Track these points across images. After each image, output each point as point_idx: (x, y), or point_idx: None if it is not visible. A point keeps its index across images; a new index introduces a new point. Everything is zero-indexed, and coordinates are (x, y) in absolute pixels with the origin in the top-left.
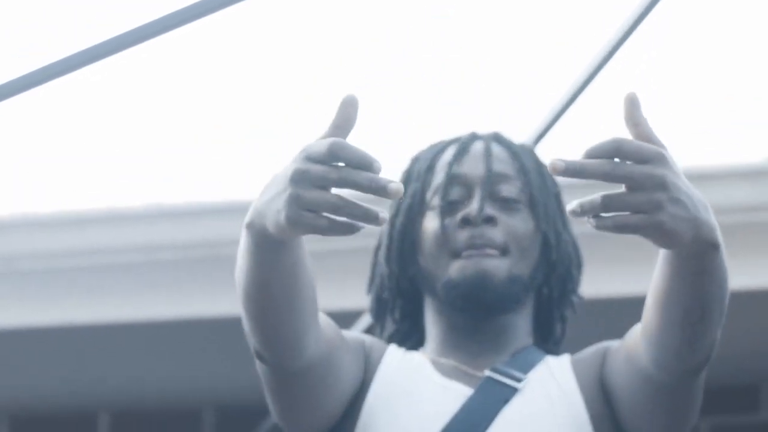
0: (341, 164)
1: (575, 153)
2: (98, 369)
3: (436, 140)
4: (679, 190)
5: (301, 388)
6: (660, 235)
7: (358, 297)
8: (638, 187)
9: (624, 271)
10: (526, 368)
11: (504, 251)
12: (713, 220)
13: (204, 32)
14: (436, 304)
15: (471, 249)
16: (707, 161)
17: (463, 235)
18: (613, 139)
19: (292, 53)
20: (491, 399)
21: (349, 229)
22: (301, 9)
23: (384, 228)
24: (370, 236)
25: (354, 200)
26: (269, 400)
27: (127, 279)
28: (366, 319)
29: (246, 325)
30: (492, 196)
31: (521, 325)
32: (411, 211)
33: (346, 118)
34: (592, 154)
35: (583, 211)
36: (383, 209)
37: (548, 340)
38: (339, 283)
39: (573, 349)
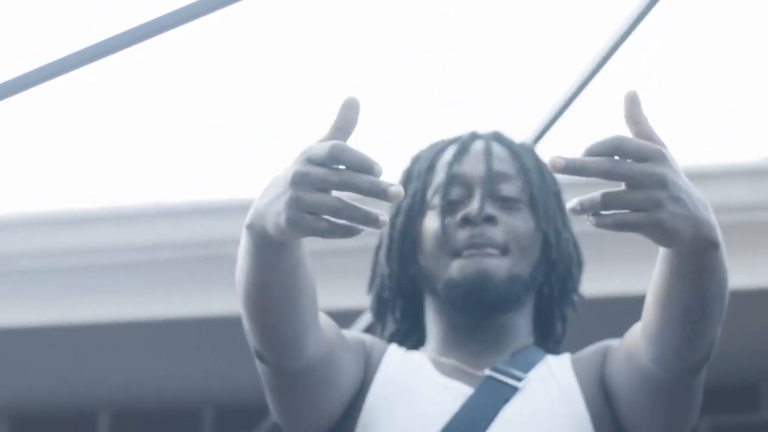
0: (342, 167)
1: (575, 152)
2: (98, 368)
3: (436, 140)
4: (679, 188)
5: (301, 388)
6: (660, 233)
7: (358, 296)
8: (638, 185)
9: (624, 270)
10: (527, 367)
11: (504, 250)
12: (713, 218)
13: (203, 32)
14: (436, 304)
15: (471, 248)
16: (707, 160)
17: (463, 235)
18: (613, 137)
19: (292, 53)
20: (491, 398)
21: (349, 232)
22: (301, 9)
23: (385, 227)
24: (371, 236)
25: (354, 203)
26: (269, 400)
27: (127, 278)
28: (366, 319)
29: (246, 325)
30: (492, 195)
31: (521, 324)
32: (411, 210)
33: (347, 120)
34: (592, 151)
35: (583, 209)
36: (383, 212)
37: (549, 339)
38: (339, 282)
39: (573, 348)
